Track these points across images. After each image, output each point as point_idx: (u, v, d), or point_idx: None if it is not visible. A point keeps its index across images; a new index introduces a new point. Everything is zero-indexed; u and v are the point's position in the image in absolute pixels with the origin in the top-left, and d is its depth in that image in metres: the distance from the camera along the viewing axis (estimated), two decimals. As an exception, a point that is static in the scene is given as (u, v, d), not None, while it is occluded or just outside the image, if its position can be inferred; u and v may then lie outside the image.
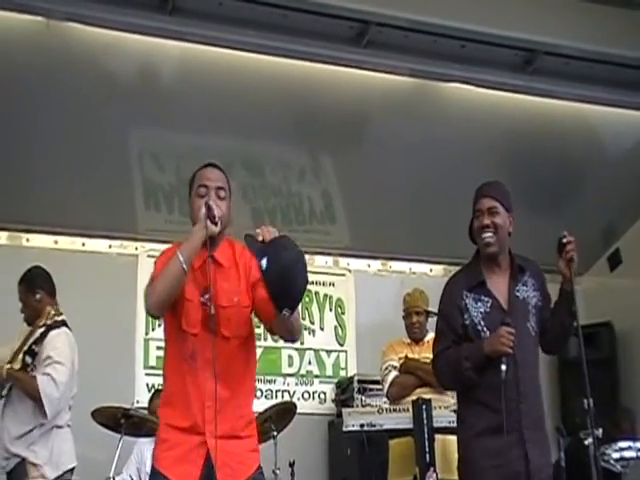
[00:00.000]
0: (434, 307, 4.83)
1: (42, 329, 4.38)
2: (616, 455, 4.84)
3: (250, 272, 2.89)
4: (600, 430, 3.80)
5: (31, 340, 4.38)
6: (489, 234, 3.26)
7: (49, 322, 4.40)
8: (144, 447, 5.08)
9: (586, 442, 4.17)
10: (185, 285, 2.80)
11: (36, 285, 4.51)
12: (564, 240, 3.23)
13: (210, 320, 2.78)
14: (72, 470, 4.39)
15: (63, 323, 4.47)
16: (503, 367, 3.09)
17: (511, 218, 3.34)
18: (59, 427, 4.35)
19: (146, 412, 5.09)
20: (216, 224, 2.80)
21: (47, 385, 4.22)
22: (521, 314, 3.24)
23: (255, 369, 2.98)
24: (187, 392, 2.79)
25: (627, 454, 4.90)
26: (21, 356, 4.35)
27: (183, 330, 2.82)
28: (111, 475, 4.45)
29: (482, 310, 3.23)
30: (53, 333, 4.38)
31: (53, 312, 4.44)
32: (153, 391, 5.76)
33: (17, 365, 4.33)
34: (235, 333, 2.85)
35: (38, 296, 4.49)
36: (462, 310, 3.24)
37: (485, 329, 3.21)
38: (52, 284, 4.58)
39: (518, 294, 3.28)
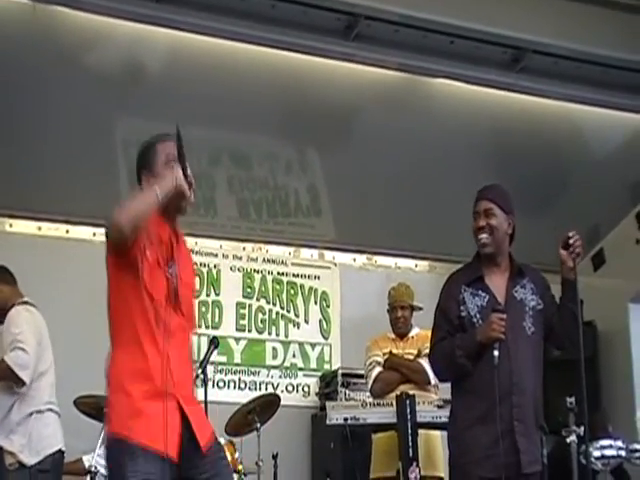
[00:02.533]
0: (419, 302, 4.86)
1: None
2: (597, 453, 4.86)
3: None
4: (582, 428, 3.83)
5: None
6: (484, 235, 3.33)
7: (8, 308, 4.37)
8: None
9: (568, 440, 4.18)
10: (148, 248, 2.72)
11: None
12: (571, 240, 3.27)
13: (172, 293, 2.77)
14: (58, 453, 4.36)
15: (24, 303, 4.43)
16: (495, 353, 3.13)
17: (510, 220, 3.37)
18: (39, 412, 4.32)
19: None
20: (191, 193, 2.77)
21: (16, 357, 4.21)
22: (517, 312, 3.28)
23: None
24: (151, 358, 2.70)
25: (608, 452, 4.93)
26: None
27: (147, 291, 2.73)
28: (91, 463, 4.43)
29: (479, 304, 3.29)
30: (11, 313, 4.35)
31: (14, 298, 4.41)
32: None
33: None
34: (188, 312, 2.88)
35: None
36: (459, 302, 3.31)
37: (480, 322, 3.25)
38: (6, 272, 4.51)
39: (516, 294, 3.33)
